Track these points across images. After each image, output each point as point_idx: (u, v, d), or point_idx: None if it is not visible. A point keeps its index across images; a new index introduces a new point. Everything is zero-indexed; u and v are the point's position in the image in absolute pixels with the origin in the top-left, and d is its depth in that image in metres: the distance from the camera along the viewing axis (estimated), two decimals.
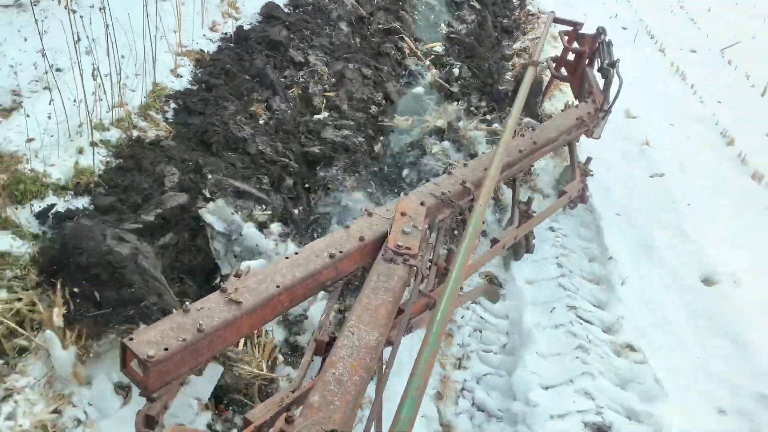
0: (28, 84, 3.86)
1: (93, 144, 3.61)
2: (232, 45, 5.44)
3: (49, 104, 3.51)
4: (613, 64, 4.58)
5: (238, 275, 2.15)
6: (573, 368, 3.28)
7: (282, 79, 5.15)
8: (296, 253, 2.32)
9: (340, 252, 2.35)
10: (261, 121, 4.54)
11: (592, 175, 4.66)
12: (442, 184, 3.05)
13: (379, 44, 6.49)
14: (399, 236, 2.47)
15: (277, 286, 2.12)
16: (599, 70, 4.79)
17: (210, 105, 4.43)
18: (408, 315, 2.34)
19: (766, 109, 6.92)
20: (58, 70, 3.96)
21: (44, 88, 3.75)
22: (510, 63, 7.01)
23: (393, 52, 6.38)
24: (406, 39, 6.75)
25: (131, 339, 1.81)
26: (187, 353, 1.86)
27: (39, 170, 3.31)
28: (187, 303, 1.98)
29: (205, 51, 5.22)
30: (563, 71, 5.25)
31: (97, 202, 3.33)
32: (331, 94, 5.31)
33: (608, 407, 3.10)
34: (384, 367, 2.17)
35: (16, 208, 3.05)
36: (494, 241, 3.43)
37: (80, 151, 3.58)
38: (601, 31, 4.85)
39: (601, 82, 4.76)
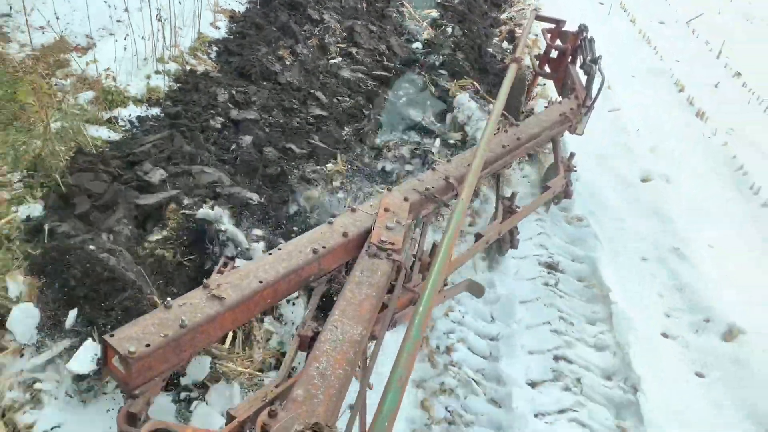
0: (97, 30, 4.91)
1: (158, 72, 4.66)
2: (258, 6, 6.45)
3: (124, 39, 4.54)
4: (595, 61, 4.62)
5: (221, 271, 2.16)
6: (532, 231, 4.38)
7: (302, 33, 6.11)
8: (279, 249, 2.31)
9: (324, 247, 2.35)
10: (287, 62, 5.50)
11: (576, 171, 4.73)
12: (426, 180, 3.06)
13: (382, 9, 7.43)
14: (383, 231, 2.48)
15: (260, 282, 2.11)
16: (581, 66, 4.83)
17: (245, 49, 5.45)
18: (392, 310, 2.34)
19: (717, 67, 8.04)
20: (125, 10, 4.94)
21: (110, 34, 4.84)
22: (497, 30, 7.74)
23: (395, 14, 7.42)
24: (406, 4, 7.79)
25: (112, 336, 1.80)
26: (169, 349, 1.86)
27: (120, 88, 4.33)
28: (168, 299, 1.97)
29: (236, 11, 6.26)
30: (546, 69, 5.29)
31: (167, 111, 4.29)
32: (343, 45, 6.25)
33: (557, 254, 4.25)
34: (368, 360, 2.17)
35: (109, 112, 4.11)
36: (478, 236, 3.43)
37: (148, 77, 4.58)
38: (583, 29, 4.90)
39: (583, 78, 4.80)
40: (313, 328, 2.24)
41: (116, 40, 4.56)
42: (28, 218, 2.99)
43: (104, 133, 3.89)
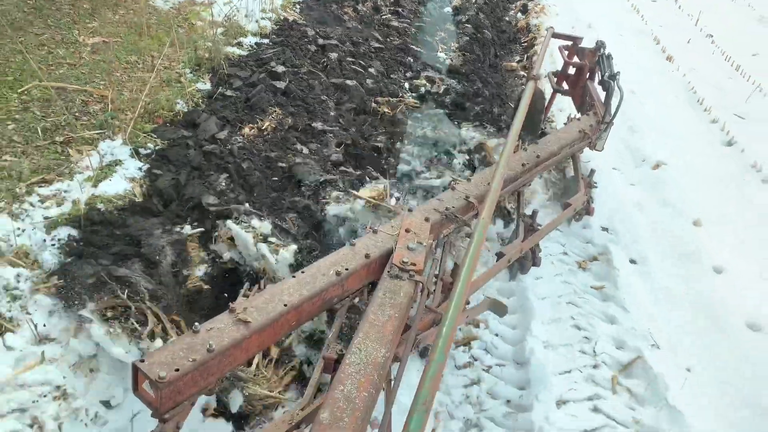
0: None
1: (263, 18, 6.49)
2: None
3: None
4: (613, 77, 4.63)
5: (246, 295, 2.17)
6: None
7: None
8: (303, 272, 2.34)
9: (346, 269, 2.37)
10: (351, 16, 7.49)
11: (596, 187, 4.69)
12: (446, 200, 3.07)
13: None
14: (404, 252, 2.49)
15: (285, 305, 2.14)
16: (600, 82, 4.84)
17: (321, 5, 7.42)
18: (415, 331, 2.35)
19: (693, 32, 9.50)
20: None
21: None
22: (513, 4, 9.68)
23: None
24: None
25: (142, 361, 1.84)
26: (197, 373, 1.89)
27: (241, 24, 6.13)
28: (196, 324, 2.01)
29: None
30: (564, 85, 5.33)
31: (274, 40, 6.05)
32: (392, 7, 8.23)
33: None
34: (392, 383, 2.18)
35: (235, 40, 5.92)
36: (500, 255, 3.41)
37: (256, 22, 6.31)
38: (600, 45, 4.93)
39: (602, 94, 4.81)
40: (337, 350, 2.26)
41: (229, 1, 6.35)
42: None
43: (236, 50, 5.72)
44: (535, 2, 9.31)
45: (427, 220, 2.80)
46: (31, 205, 3.27)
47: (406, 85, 6.23)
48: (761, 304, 4.10)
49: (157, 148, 4.05)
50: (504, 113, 5.97)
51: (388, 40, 7.13)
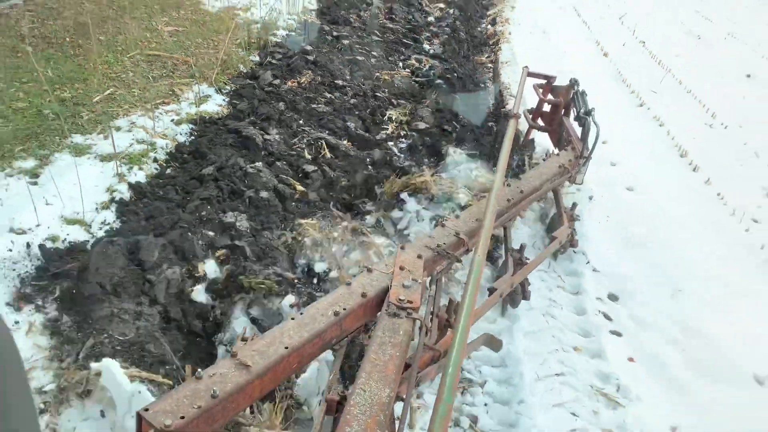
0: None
1: (289, 18, 8.24)
2: None
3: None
4: (588, 113, 4.76)
5: (244, 339, 2.17)
6: None
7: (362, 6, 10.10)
8: (301, 313, 2.35)
9: (344, 309, 2.39)
10: (356, 19, 9.30)
11: (579, 220, 4.78)
12: (437, 237, 3.11)
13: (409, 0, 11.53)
14: (400, 290, 2.52)
15: (286, 348, 2.14)
16: (576, 119, 4.96)
17: (332, 12, 9.24)
18: (416, 369, 2.35)
19: (629, 37, 11.65)
20: None
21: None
22: (484, 19, 11.94)
23: (417, 3, 11.52)
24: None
25: (146, 410, 1.81)
26: (202, 420, 1.87)
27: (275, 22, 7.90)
28: (199, 370, 2.00)
29: None
30: (540, 122, 5.48)
31: (299, 33, 7.91)
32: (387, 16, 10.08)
33: None
34: (396, 423, 2.17)
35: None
36: (492, 290, 3.44)
37: (284, 20, 8.13)
38: (574, 82, 5.10)
39: (578, 130, 4.92)
40: (339, 392, 2.22)
41: (262, 6, 8.28)
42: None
43: (273, 38, 7.52)
44: (501, 16, 11.54)
45: (420, 257, 2.83)
46: (159, 115, 5.21)
47: (401, 64, 8.15)
48: None
49: (233, 88, 6.08)
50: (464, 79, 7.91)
51: (386, 36, 9.05)
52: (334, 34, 8.16)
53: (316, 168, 4.79)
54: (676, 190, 5.59)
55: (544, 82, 5.39)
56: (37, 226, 3.59)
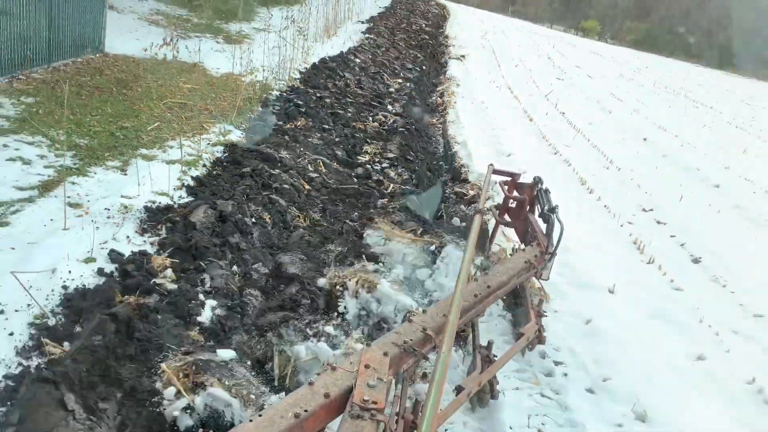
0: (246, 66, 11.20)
1: (279, 82, 10.62)
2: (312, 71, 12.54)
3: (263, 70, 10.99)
4: (552, 210, 4.72)
5: None
6: None
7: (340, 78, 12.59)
8: (260, 415, 2.23)
9: (305, 411, 2.25)
10: (332, 87, 11.53)
11: (546, 316, 4.70)
12: (404, 333, 2.98)
13: (374, 74, 14.07)
14: (365, 390, 2.38)
15: None
16: (540, 215, 4.96)
17: (314, 79, 11.62)
18: None
19: (550, 108, 14.54)
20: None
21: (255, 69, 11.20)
22: (435, 90, 14.95)
23: (380, 78, 14.04)
24: (385, 75, 14.41)
25: None
26: None
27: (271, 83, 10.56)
28: None
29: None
30: (507, 218, 5.52)
31: (288, 95, 9.99)
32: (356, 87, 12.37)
33: None
34: None
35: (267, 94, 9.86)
36: (459, 389, 3.27)
37: (276, 84, 10.35)
38: (537, 180, 5.19)
39: (543, 226, 4.86)
40: None
41: (262, 70, 10.91)
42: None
43: (269, 96, 9.81)
44: (447, 91, 14.38)
45: (386, 354, 2.69)
46: (197, 140, 7.11)
47: (370, 118, 10.18)
48: None
49: (245, 126, 8.19)
50: (420, 130, 10.27)
51: (357, 99, 11.30)
52: (317, 95, 10.29)
53: (318, 175, 6.68)
54: (575, 203, 7.70)
55: (509, 179, 5.51)
56: (137, 196, 5.32)
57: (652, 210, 8.06)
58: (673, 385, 4.16)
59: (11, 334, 3.40)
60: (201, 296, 4.04)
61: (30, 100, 7.07)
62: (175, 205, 5.32)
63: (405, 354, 2.83)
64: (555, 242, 4.54)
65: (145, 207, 5.14)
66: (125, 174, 5.83)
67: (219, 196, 5.48)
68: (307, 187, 6.46)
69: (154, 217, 5.00)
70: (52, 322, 3.56)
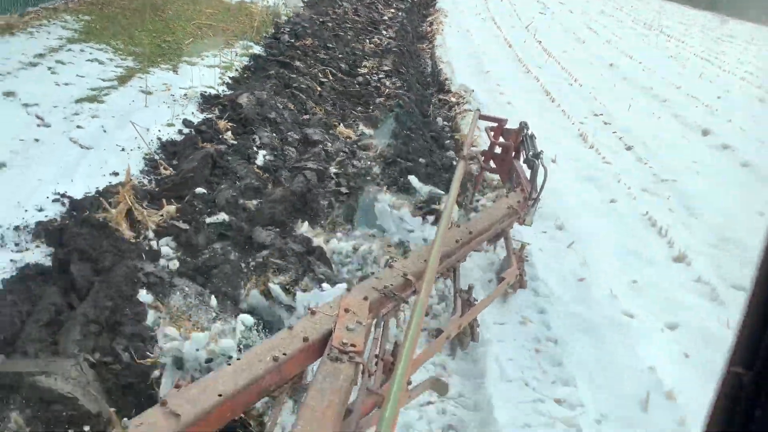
0: None
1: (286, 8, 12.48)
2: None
3: None
4: (537, 156, 4.71)
5: (178, 386, 2.04)
6: None
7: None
8: (238, 359, 2.26)
9: (284, 354, 2.26)
10: (332, 13, 13.29)
11: (528, 261, 4.73)
12: (384, 278, 3.00)
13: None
14: (344, 333, 2.41)
15: (219, 395, 2.01)
16: (525, 161, 4.93)
17: (318, 5, 13.41)
18: (357, 415, 2.26)
19: (528, 38, 15.86)
20: None
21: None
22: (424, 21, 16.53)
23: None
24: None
25: None
26: None
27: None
28: (125, 419, 1.86)
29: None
30: (492, 164, 5.54)
31: (295, 19, 11.59)
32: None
33: None
34: None
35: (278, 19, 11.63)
36: (439, 332, 3.34)
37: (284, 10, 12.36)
38: (524, 126, 5.15)
39: (527, 172, 4.84)
40: None
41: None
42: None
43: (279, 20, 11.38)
44: (436, 21, 15.73)
45: (365, 298, 2.71)
46: (226, 52, 8.54)
47: (367, 41, 11.86)
48: None
49: (265, 44, 9.67)
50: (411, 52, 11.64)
51: (355, 25, 12.86)
52: (320, 20, 11.73)
53: (327, 80, 8.26)
54: (537, 107, 9.33)
55: (495, 124, 5.50)
56: (191, 87, 6.89)
57: (602, 115, 9.72)
58: (587, 214, 5.92)
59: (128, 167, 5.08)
60: (255, 148, 5.70)
61: (87, 18, 8.53)
62: (222, 95, 6.92)
63: (385, 298, 2.87)
64: (539, 188, 4.60)
65: (201, 94, 6.74)
66: (177, 74, 7.39)
67: (254, 89, 7.08)
68: (319, 89, 8.04)
69: (209, 101, 6.62)
70: (157, 157, 5.23)
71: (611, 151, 8.06)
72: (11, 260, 3.57)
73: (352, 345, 2.31)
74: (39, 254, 3.67)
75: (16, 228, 3.87)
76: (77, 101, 5.99)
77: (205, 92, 6.87)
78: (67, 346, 2.92)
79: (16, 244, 3.76)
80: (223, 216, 4.38)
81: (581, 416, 3.37)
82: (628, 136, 8.75)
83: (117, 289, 3.35)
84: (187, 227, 4.17)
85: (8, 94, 5.73)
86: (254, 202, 4.75)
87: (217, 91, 7.07)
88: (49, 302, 3.15)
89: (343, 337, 2.34)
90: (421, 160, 6.32)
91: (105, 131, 5.49)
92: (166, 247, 4.02)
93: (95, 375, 2.85)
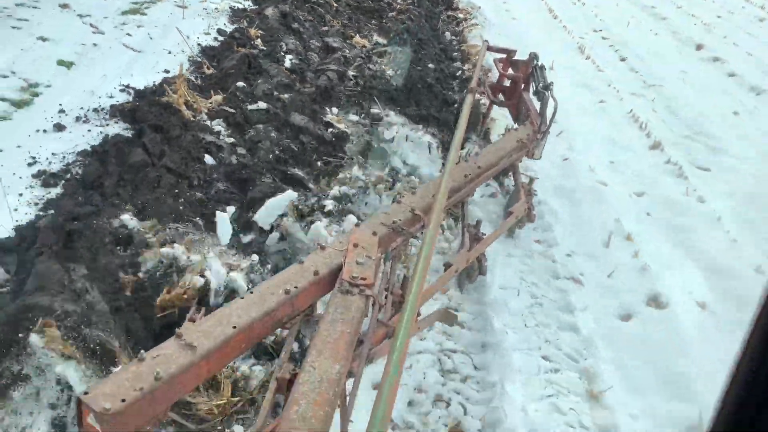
0: None
1: None
2: None
3: None
4: (547, 87, 4.63)
5: (192, 319, 2.06)
6: None
7: None
8: (251, 292, 2.28)
9: (296, 287, 2.29)
10: None
11: (536, 195, 4.64)
12: (393, 213, 3.03)
13: None
14: (353, 267, 2.43)
15: (234, 327, 2.05)
16: (534, 93, 4.84)
17: None
18: (368, 345, 2.35)
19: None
20: None
21: None
22: None
23: None
24: None
25: (86, 393, 1.69)
26: (145, 403, 1.75)
27: None
28: (142, 351, 1.86)
29: None
30: (500, 97, 5.43)
31: None
32: None
33: None
34: (347, 399, 2.14)
35: None
36: (447, 266, 3.35)
37: None
38: (533, 57, 5.01)
39: (537, 104, 4.77)
40: (290, 371, 2.11)
41: None
42: None
43: None
44: None
45: (374, 233, 2.76)
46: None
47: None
48: None
49: None
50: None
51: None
52: None
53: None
54: (542, 22, 10.03)
55: (504, 56, 5.35)
56: (222, 1, 7.53)
57: (601, 30, 10.29)
58: (576, 112, 6.67)
59: (181, 63, 5.86)
60: (282, 53, 6.45)
61: None
62: (248, 9, 7.60)
63: (394, 233, 2.90)
64: (548, 121, 4.55)
65: (230, 7, 7.43)
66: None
67: (277, 3, 7.74)
68: (335, 4, 8.66)
69: (237, 14, 7.33)
70: (200, 59, 6.00)
71: (606, 62, 8.70)
72: (100, 132, 4.43)
73: (362, 278, 2.36)
74: (118, 128, 4.53)
75: (95, 110, 4.72)
76: (123, 13, 6.73)
77: (234, 6, 7.55)
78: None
79: (99, 121, 4.61)
80: (262, 104, 5.19)
81: (555, 249, 4.28)
82: (624, 50, 9.36)
83: (187, 151, 4.23)
84: (234, 111, 5.00)
85: (63, 6, 6.47)
86: (286, 96, 5.55)
87: (243, 5, 7.73)
88: (136, 159, 4.03)
89: (353, 271, 2.39)
90: (430, 65, 7.04)
91: (151, 38, 6.25)
92: (218, 126, 4.86)
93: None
